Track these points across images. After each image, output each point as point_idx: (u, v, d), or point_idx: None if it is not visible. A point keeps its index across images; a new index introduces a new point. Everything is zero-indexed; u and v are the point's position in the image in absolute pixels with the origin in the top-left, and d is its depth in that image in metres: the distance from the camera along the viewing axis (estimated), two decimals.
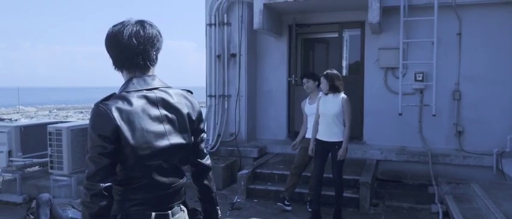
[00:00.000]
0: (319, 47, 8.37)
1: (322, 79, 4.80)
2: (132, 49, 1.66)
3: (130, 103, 1.61)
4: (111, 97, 1.62)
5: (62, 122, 6.37)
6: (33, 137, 6.02)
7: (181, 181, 1.79)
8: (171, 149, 1.69)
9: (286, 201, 5.25)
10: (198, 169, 1.91)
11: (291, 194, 5.27)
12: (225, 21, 7.13)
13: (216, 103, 7.25)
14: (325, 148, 4.77)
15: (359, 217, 5.13)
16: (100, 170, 1.56)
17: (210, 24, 7.17)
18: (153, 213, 1.67)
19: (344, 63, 7.64)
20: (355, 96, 6.97)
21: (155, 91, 1.69)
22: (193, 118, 1.78)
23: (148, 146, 1.62)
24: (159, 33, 1.74)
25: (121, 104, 1.60)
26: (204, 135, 1.93)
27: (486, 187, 5.05)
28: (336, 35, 7.45)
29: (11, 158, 5.79)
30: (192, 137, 1.78)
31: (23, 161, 5.84)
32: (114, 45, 1.68)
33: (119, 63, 1.72)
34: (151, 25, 1.72)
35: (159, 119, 1.66)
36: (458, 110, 6.69)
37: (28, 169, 6.20)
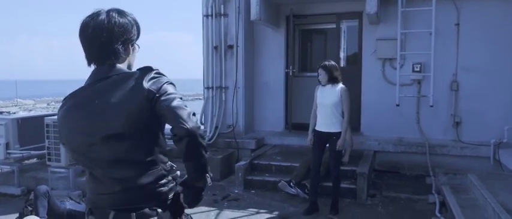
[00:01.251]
0: (317, 38, 8.34)
1: (321, 71, 4.78)
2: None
3: None
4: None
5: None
6: (31, 130, 6.02)
7: None
8: None
9: (291, 184, 5.33)
10: None
11: (300, 180, 5.36)
12: (222, 12, 7.08)
13: (214, 95, 7.23)
14: (324, 139, 4.78)
15: (356, 208, 5.15)
16: None
17: (207, 15, 7.13)
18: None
19: (342, 54, 7.61)
20: (353, 87, 6.90)
21: None
22: None
23: None
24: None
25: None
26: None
27: (483, 177, 5.06)
28: (333, 25, 7.41)
29: (8, 151, 5.79)
30: None
31: (20, 153, 5.84)
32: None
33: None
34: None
35: None
36: (455, 101, 6.69)
37: (26, 161, 6.19)
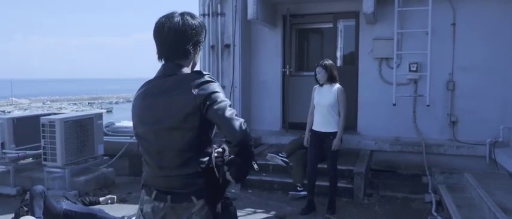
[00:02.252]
0: (314, 38, 8.33)
1: (320, 69, 4.75)
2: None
3: None
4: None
5: (55, 113, 6.32)
6: (27, 129, 5.98)
7: None
8: None
9: (298, 187, 5.40)
10: None
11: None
12: (219, 11, 7.06)
13: None
14: (320, 139, 4.78)
15: (353, 207, 5.16)
16: None
17: (204, 14, 7.11)
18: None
19: (338, 54, 7.62)
20: (350, 87, 6.94)
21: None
22: None
23: None
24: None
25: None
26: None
27: (479, 177, 5.09)
28: (330, 25, 7.41)
29: (4, 150, 5.75)
30: None
31: (16, 153, 5.80)
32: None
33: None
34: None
35: None
36: (452, 100, 6.71)
37: (21, 161, 6.15)
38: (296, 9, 7.33)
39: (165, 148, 1.82)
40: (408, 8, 6.45)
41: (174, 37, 1.82)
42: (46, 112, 7.26)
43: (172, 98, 1.78)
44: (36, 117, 5.82)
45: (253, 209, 5.05)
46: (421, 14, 6.35)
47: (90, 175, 5.91)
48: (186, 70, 1.87)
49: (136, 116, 1.90)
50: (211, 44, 7.15)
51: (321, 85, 4.81)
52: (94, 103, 78.40)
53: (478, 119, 6.53)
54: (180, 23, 1.82)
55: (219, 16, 7.09)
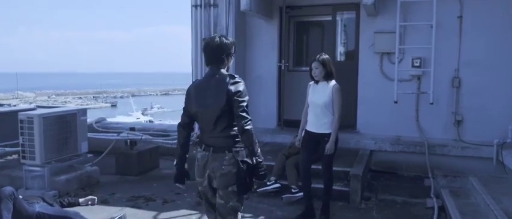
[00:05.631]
0: (312, 31, 7.97)
1: (317, 65, 4.31)
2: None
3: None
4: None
5: (33, 109, 6.02)
6: (5, 125, 5.69)
7: None
8: None
9: (293, 189, 5.04)
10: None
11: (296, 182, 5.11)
12: (212, 2, 6.70)
13: None
14: (314, 140, 4.42)
15: (349, 212, 4.81)
16: None
17: (196, 6, 6.76)
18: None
19: (338, 48, 7.26)
20: (349, 83, 6.62)
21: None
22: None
23: None
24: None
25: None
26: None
27: (485, 181, 4.73)
28: (329, 18, 7.05)
29: None
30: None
31: None
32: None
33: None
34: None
35: None
36: (457, 98, 6.34)
37: (0, 159, 5.86)
38: (293, 1, 6.98)
39: (210, 121, 2.81)
40: None
41: (215, 51, 2.84)
42: (27, 106, 6.95)
43: (216, 91, 2.78)
44: (15, 113, 5.52)
45: (240, 214, 4.70)
46: (426, 5, 5.98)
47: (72, 173, 5.61)
48: (223, 71, 2.86)
49: (190, 101, 2.92)
50: (203, 37, 6.79)
51: (316, 82, 4.43)
52: (99, 97, 78.88)
53: (485, 118, 6.16)
54: (218, 42, 2.85)
55: (212, 7, 6.74)
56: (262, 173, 2.83)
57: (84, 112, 5.87)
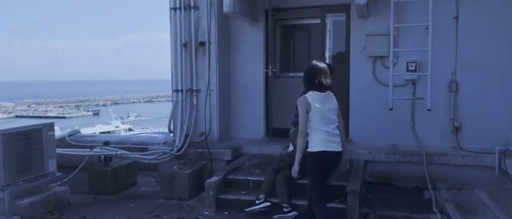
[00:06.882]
0: (300, 35, 7.56)
1: (328, 72, 3.83)
2: None
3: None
4: None
5: None
6: None
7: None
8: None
9: (285, 208, 4.62)
10: None
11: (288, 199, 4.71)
12: (192, 4, 6.24)
13: (183, 98, 6.37)
14: (336, 163, 3.90)
15: None
16: None
17: (175, 8, 6.29)
18: None
19: (327, 53, 6.86)
20: (340, 89, 6.17)
21: None
22: None
23: None
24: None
25: None
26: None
27: (493, 194, 4.34)
28: (318, 20, 6.65)
29: None
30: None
31: None
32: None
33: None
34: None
35: None
36: (455, 103, 6.00)
37: None
38: (280, 3, 6.58)
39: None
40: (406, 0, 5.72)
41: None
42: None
43: None
44: None
45: None
46: (421, 6, 5.66)
47: (37, 196, 5.03)
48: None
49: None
50: (183, 42, 6.31)
51: (324, 91, 3.79)
52: (81, 105, 77.19)
53: (485, 124, 5.83)
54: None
55: (192, 10, 6.28)
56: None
57: (51, 126, 5.30)
